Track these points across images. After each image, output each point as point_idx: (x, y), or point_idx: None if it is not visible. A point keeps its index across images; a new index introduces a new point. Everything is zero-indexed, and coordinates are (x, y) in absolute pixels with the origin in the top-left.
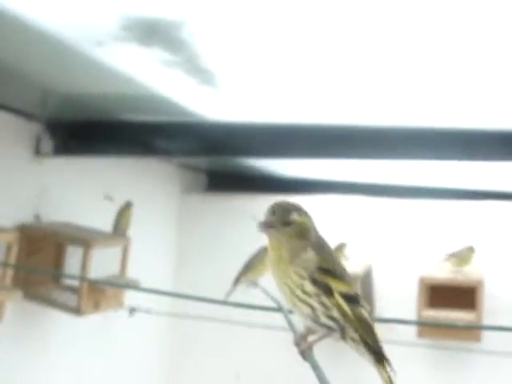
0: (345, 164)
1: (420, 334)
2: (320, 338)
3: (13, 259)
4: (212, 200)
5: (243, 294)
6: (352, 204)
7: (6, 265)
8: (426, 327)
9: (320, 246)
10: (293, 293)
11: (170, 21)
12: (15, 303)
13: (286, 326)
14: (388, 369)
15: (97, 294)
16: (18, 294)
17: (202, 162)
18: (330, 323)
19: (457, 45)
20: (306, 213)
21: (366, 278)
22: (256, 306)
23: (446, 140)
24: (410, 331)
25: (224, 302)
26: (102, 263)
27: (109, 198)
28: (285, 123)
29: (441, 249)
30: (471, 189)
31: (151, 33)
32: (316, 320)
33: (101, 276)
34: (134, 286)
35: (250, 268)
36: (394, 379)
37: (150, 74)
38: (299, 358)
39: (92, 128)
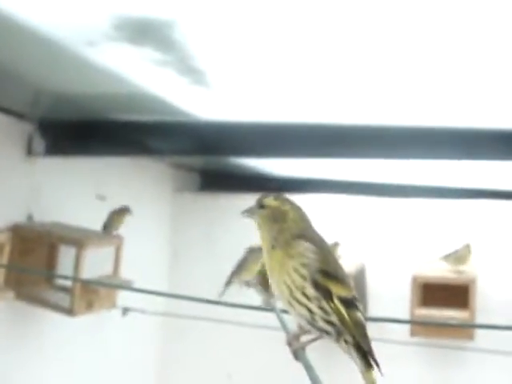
0: (337, 163)
1: (413, 333)
2: (313, 340)
3: (5, 259)
4: (205, 199)
5: (236, 293)
6: (345, 203)
7: None
8: (419, 326)
9: (318, 243)
10: (291, 294)
11: (161, 20)
12: (7, 303)
13: (279, 325)
14: (374, 374)
15: (90, 294)
16: (9, 294)
17: (195, 161)
18: (328, 328)
19: (455, 44)
20: (287, 201)
21: (359, 277)
22: (249, 305)
23: (441, 139)
24: (403, 330)
25: (217, 302)
26: (95, 263)
27: (101, 197)
28: (277, 122)
29: (434, 248)
30: (464, 187)
31: (143, 32)
32: (313, 324)
33: (94, 276)
34: (127, 286)
35: (243, 268)
36: None
37: (142, 74)
38: (291, 358)
39: (84, 128)
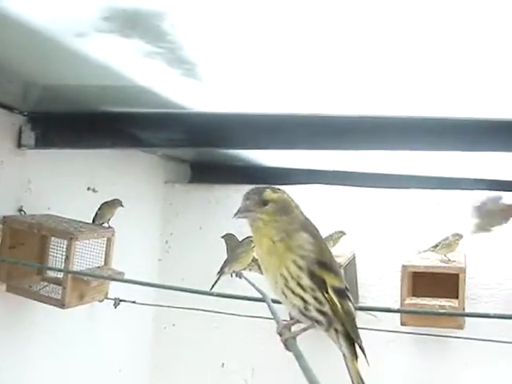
0: (327, 154)
1: (403, 322)
2: (304, 329)
3: None
4: (196, 190)
5: (228, 284)
6: (335, 193)
7: None
8: (409, 315)
9: (312, 231)
10: (286, 284)
11: (151, 12)
12: None
13: (270, 315)
14: (357, 364)
15: (81, 286)
16: (0, 287)
17: (186, 152)
18: (320, 317)
19: (454, 34)
20: (282, 190)
21: (350, 266)
22: (240, 296)
23: (434, 130)
24: (393, 319)
25: (208, 293)
26: (86, 255)
27: (92, 189)
28: (267, 114)
29: (424, 237)
30: (455, 177)
31: (133, 24)
32: (305, 314)
33: (85, 268)
34: (119, 277)
35: (235, 259)
36: (362, 376)
37: (132, 66)
38: (283, 348)
39: (74, 120)
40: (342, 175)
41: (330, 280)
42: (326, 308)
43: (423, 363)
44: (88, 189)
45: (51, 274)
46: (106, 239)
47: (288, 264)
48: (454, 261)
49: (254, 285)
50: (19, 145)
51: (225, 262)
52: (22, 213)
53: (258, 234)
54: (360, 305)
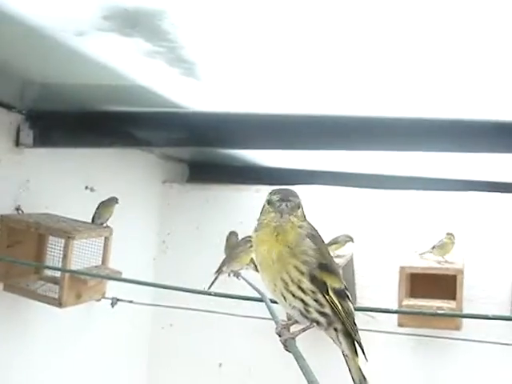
0: (327, 154)
1: (400, 323)
2: (303, 330)
3: None
4: (193, 190)
5: (226, 284)
6: (333, 194)
7: None
8: (407, 316)
9: (314, 235)
10: (286, 287)
11: (151, 11)
12: None
13: (269, 315)
14: (361, 361)
15: (78, 285)
16: None
17: (184, 152)
18: (320, 318)
19: (451, 36)
20: None
21: (347, 267)
22: (238, 296)
23: (435, 131)
24: (391, 320)
25: (206, 293)
26: (84, 254)
27: (90, 188)
28: (266, 114)
29: (422, 238)
30: (452, 179)
31: (132, 23)
32: (306, 315)
33: (83, 267)
34: (116, 276)
35: (233, 258)
36: (364, 373)
37: (132, 65)
38: (281, 348)
39: (73, 119)
40: (340, 176)
41: (331, 282)
42: (327, 309)
43: (420, 364)
44: (86, 188)
45: (49, 272)
46: (103, 238)
47: (289, 269)
48: (452, 262)
49: (252, 285)
50: (17, 143)
51: (223, 261)
52: (20, 211)
53: (274, 236)
54: (357, 305)
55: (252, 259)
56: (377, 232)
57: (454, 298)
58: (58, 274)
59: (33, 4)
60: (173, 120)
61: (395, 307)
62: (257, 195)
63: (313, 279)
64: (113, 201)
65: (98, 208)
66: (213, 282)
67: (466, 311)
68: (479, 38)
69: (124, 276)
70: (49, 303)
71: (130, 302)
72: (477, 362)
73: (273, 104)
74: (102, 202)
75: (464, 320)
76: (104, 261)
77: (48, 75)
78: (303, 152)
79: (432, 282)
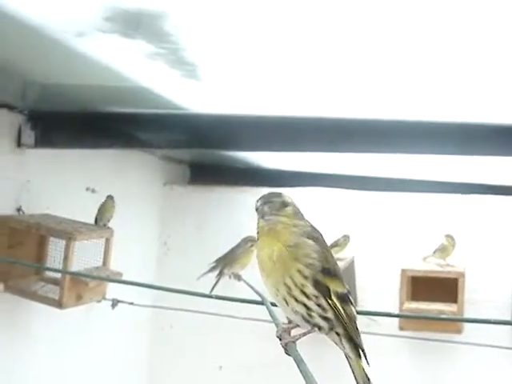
0: (327, 157)
1: (401, 327)
2: (305, 334)
3: None
4: (195, 192)
5: (226, 286)
6: (335, 196)
7: None
8: (408, 320)
9: (317, 238)
10: (289, 292)
11: (153, 12)
12: None
13: (269, 318)
14: (364, 363)
15: (79, 286)
16: None
17: (185, 154)
18: (322, 323)
19: (453, 39)
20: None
21: (348, 270)
22: (239, 299)
23: (438, 134)
24: (392, 323)
25: (208, 296)
26: (85, 255)
27: (91, 190)
28: (268, 116)
29: (423, 241)
30: (455, 181)
31: (134, 24)
32: (308, 320)
33: (83, 268)
34: (117, 278)
35: (235, 260)
36: (368, 374)
37: (133, 66)
38: (282, 350)
39: (74, 119)
40: (342, 178)
41: (334, 286)
42: (329, 314)
43: (421, 367)
44: (87, 189)
45: (49, 274)
46: (104, 240)
47: (292, 273)
48: (453, 265)
49: (253, 287)
50: (19, 144)
51: (224, 263)
52: (21, 212)
53: (270, 238)
54: (358, 308)
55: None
56: (378, 235)
57: (455, 301)
58: (58, 275)
59: (34, 4)
60: (174, 122)
61: (396, 310)
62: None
63: (316, 284)
64: (109, 200)
65: (98, 210)
66: (215, 285)
67: (467, 314)
68: (482, 41)
69: (125, 277)
70: (49, 304)
71: (131, 303)
72: (478, 365)
73: (274, 106)
74: (102, 204)
75: (465, 323)
76: (105, 262)
77: (50, 76)
78: (305, 154)
79: (433, 285)
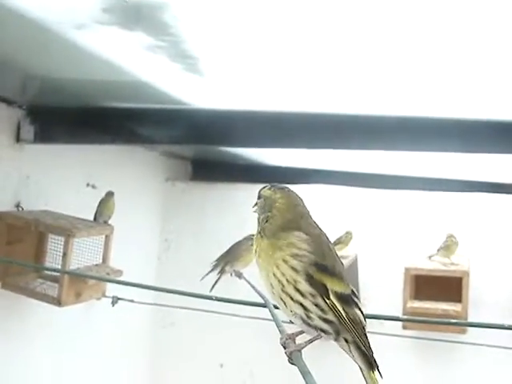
0: (330, 153)
1: (405, 326)
2: (310, 341)
3: None
4: (196, 188)
5: (228, 283)
6: (338, 193)
7: None
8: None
9: (313, 235)
10: (283, 289)
11: (153, 4)
12: None
13: (271, 317)
14: (377, 374)
15: (78, 283)
16: None
17: (187, 150)
18: (324, 326)
19: (454, 34)
20: (286, 189)
21: (351, 268)
22: (241, 301)
23: (441, 131)
24: (395, 323)
25: (208, 297)
26: (85, 252)
27: (91, 186)
28: (270, 111)
29: (427, 240)
30: (458, 179)
31: (134, 16)
32: (309, 322)
33: (83, 265)
34: (117, 276)
35: (237, 258)
36: None
37: (133, 59)
38: (282, 349)
39: (74, 114)
40: (345, 175)
41: (332, 285)
42: (330, 316)
43: (425, 367)
44: (87, 185)
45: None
46: (104, 236)
47: (279, 262)
48: (458, 264)
49: (255, 288)
50: (18, 139)
51: (226, 260)
52: (20, 208)
53: (259, 234)
54: (361, 307)
55: None
56: (381, 233)
57: (459, 300)
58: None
59: None
60: (175, 117)
61: (400, 309)
62: None
63: (310, 279)
64: (109, 195)
65: (98, 206)
66: (215, 283)
67: (470, 314)
68: (484, 36)
69: (126, 274)
70: (48, 302)
71: (131, 301)
72: (482, 365)
73: (277, 101)
74: (101, 200)
75: None
76: (105, 259)
77: (49, 70)
78: (308, 151)
79: (437, 283)
